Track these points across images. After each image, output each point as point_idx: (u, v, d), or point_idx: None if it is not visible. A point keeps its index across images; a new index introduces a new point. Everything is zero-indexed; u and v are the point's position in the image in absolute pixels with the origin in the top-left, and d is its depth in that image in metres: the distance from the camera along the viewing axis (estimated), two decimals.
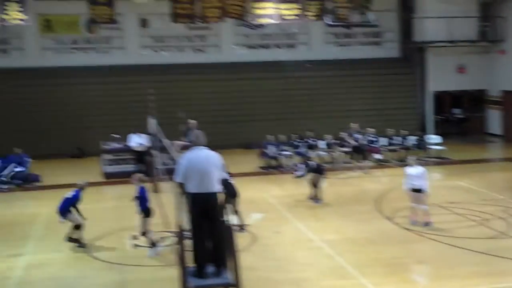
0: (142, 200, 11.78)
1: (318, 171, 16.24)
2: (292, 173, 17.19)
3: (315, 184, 16.11)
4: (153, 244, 11.63)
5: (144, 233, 11.57)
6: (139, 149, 19.73)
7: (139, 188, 11.86)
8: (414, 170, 13.76)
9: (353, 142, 21.10)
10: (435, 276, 10.83)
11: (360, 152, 20.45)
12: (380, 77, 27.34)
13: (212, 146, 8.36)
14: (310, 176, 16.26)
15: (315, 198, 16.11)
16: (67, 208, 12.50)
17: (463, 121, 28.38)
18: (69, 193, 12.69)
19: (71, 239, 12.69)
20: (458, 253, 11.96)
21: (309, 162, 16.78)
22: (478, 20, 27.27)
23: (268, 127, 24.11)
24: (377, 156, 21.44)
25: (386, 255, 12.09)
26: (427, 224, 13.53)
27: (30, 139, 23.41)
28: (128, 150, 20.03)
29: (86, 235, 13.49)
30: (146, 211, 11.74)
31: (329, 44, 28.59)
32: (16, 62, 25.66)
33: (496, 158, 24.13)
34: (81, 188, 12.86)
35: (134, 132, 20.12)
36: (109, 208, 16.24)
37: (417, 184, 13.61)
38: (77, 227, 12.65)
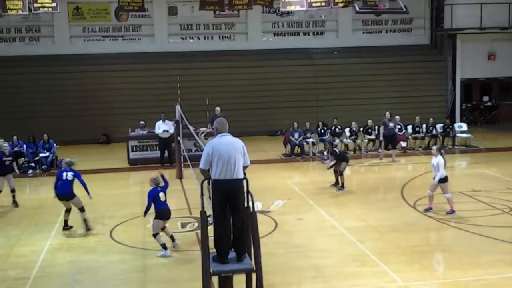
0: (152, 201, 11.45)
1: (343, 158, 16.18)
2: (322, 162, 17.06)
3: (340, 172, 16.07)
4: (163, 247, 11.35)
5: (155, 235, 11.42)
6: (165, 135, 19.91)
7: (152, 189, 11.66)
8: (440, 159, 13.55)
9: (385, 131, 20.87)
10: (458, 264, 10.74)
11: (392, 141, 20.25)
12: (408, 64, 27.06)
13: (237, 133, 8.42)
14: (334, 163, 16.20)
15: (339, 186, 16.08)
16: (72, 189, 12.74)
17: (492, 109, 27.95)
18: (68, 174, 12.76)
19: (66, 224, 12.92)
20: (482, 241, 11.85)
21: (335, 149, 16.74)
22: (511, 6, 26.72)
23: (294, 114, 24.13)
24: (403, 144, 21.28)
25: (409, 243, 12.03)
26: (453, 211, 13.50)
27: (58, 125, 23.88)
28: (154, 136, 20.21)
29: (112, 220, 13.76)
30: (157, 213, 11.40)
31: (357, 31, 28.36)
32: (46, 50, 26.07)
33: None
34: (69, 165, 13.00)
35: (161, 119, 20.28)
36: (133, 194, 16.46)
37: (443, 173, 13.48)
38: (81, 209, 12.85)
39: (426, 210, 13.76)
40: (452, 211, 13.49)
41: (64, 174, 12.80)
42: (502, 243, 11.68)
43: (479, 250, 11.39)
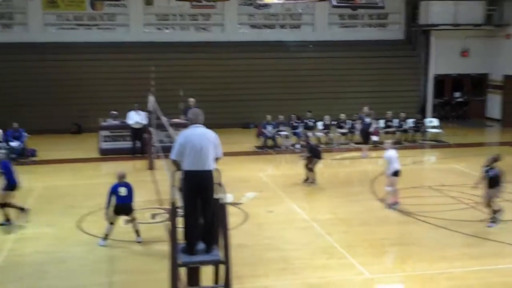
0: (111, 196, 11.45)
1: (316, 155, 16.12)
2: (300, 156, 16.93)
3: (310, 168, 16.06)
4: (104, 237, 11.39)
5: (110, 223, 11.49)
6: (137, 126, 19.82)
7: (114, 184, 11.65)
8: (394, 153, 13.87)
9: (361, 125, 21.03)
10: (424, 257, 10.93)
11: (367, 136, 20.40)
12: (383, 59, 27.26)
13: (211, 125, 8.40)
14: (307, 158, 16.20)
15: (309, 181, 16.10)
16: None
17: (463, 105, 28.33)
18: None
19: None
20: (449, 235, 12.07)
21: (310, 143, 16.75)
22: (485, 3, 27.07)
23: (269, 107, 24.16)
24: (374, 138, 21.45)
25: (376, 236, 12.21)
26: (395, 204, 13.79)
27: (28, 114, 23.49)
28: (126, 127, 20.10)
29: (80, 210, 13.68)
30: (114, 208, 11.34)
31: (333, 25, 28.48)
32: (18, 37, 25.71)
33: (493, 142, 24.13)
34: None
35: (133, 109, 20.17)
36: (103, 184, 16.16)
37: (398, 167, 13.74)
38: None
39: (391, 205, 13.81)
40: (395, 203, 13.74)
41: None
42: (468, 237, 11.92)
43: (445, 244, 11.60)
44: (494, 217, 12.57)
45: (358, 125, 20.75)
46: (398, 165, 13.78)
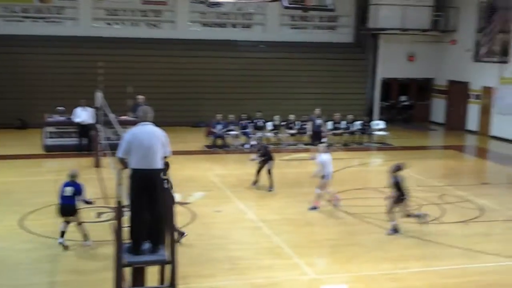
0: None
1: (271, 157, 15.73)
2: (252, 158, 16.69)
3: (264, 171, 15.64)
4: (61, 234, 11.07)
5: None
6: (83, 123, 19.47)
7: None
8: (329, 157, 13.89)
9: (313, 127, 21.26)
10: (368, 258, 11.13)
11: (318, 137, 20.61)
12: (332, 62, 27.59)
13: (160, 123, 8.32)
14: (260, 161, 15.77)
15: (255, 183, 15.80)
16: None
17: (408, 108, 28.97)
18: None
19: None
20: (392, 236, 12.31)
21: (264, 146, 16.39)
22: (431, 9, 27.74)
23: (218, 106, 24.13)
24: (322, 139, 21.68)
25: (322, 237, 12.39)
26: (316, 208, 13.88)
27: None
28: (72, 123, 19.72)
29: (24, 208, 13.33)
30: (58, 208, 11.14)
31: (284, 26, 28.64)
32: None
33: (436, 146, 24.80)
34: None
35: (81, 105, 19.80)
36: (47, 182, 15.94)
37: (331, 170, 13.81)
38: None
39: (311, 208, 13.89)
40: (314, 208, 13.81)
41: None
42: (411, 239, 12.19)
43: (389, 245, 11.85)
44: (395, 226, 12.47)
45: (309, 127, 20.93)
46: (331, 168, 13.83)
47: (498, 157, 21.53)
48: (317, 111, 20.99)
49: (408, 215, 12.57)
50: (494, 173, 19.52)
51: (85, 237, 11.23)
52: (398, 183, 12.37)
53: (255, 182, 15.91)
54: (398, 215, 12.52)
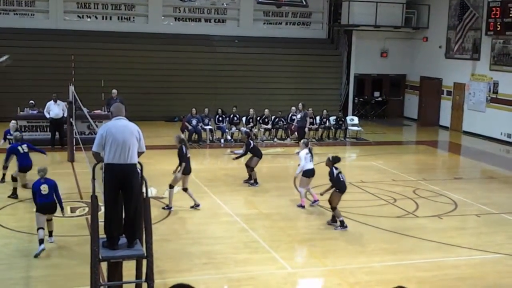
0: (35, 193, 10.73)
1: (256, 153, 15.54)
2: (232, 152, 16.50)
3: (251, 168, 15.57)
4: (40, 242, 10.45)
5: (38, 229, 10.84)
6: (56, 117, 19.18)
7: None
8: (306, 153, 13.70)
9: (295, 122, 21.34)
10: (344, 252, 11.20)
11: (302, 132, 20.71)
12: (306, 57, 27.65)
13: (134, 117, 8.28)
14: (248, 157, 15.64)
15: (251, 181, 15.67)
16: None
17: (382, 104, 29.21)
18: None
19: None
20: (368, 230, 12.42)
21: (251, 141, 15.87)
22: (404, 6, 27.98)
23: (193, 100, 24.00)
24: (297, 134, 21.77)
25: (299, 231, 12.43)
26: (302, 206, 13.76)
27: None
28: (44, 117, 19.40)
29: None
30: (38, 207, 10.62)
31: (258, 21, 28.60)
32: None
33: (409, 141, 25.06)
34: None
35: (53, 99, 19.49)
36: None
37: (310, 167, 13.66)
38: None
39: (298, 206, 13.81)
40: (301, 206, 13.68)
41: None
42: (386, 232, 12.30)
43: (365, 239, 11.95)
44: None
45: (295, 122, 21.17)
46: (311, 165, 13.65)
47: (470, 152, 21.85)
48: (300, 105, 21.34)
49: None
50: (466, 168, 19.80)
51: (50, 233, 10.94)
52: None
53: (248, 179, 15.73)
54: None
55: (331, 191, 12.49)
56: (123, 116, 7.77)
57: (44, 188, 10.63)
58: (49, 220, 10.90)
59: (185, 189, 13.32)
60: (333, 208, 12.40)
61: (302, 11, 28.30)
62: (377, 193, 15.17)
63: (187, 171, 13.23)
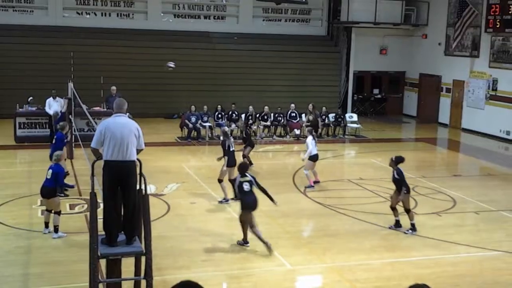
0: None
1: (250, 143, 16.53)
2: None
3: (243, 155, 15.88)
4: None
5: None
6: (55, 114, 19.16)
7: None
8: (311, 139, 15.07)
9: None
10: (343, 249, 11.20)
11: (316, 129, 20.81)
12: (305, 54, 27.62)
13: (134, 114, 8.29)
14: (247, 151, 16.15)
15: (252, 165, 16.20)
16: None
17: (381, 101, 29.20)
18: None
19: None
20: (366, 227, 12.42)
21: (247, 130, 16.97)
22: (403, 3, 27.96)
23: (192, 97, 24.01)
24: (297, 131, 21.80)
25: (297, 228, 12.45)
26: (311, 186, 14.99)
27: None
28: (43, 114, 19.39)
29: None
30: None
31: (257, 18, 28.58)
32: None
33: (408, 138, 25.07)
34: None
35: (52, 96, 19.48)
36: (19, 173, 15.76)
37: (315, 152, 14.99)
38: None
39: (308, 187, 14.89)
40: (311, 186, 14.93)
41: None
42: (384, 230, 12.30)
43: (363, 236, 11.94)
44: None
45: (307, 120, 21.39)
46: (315, 150, 14.85)
47: (469, 150, 21.86)
48: (310, 106, 21.64)
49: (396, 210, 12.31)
50: (465, 165, 19.81)
51: (46, 224, 11.14)
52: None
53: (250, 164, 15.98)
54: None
55: (401, 196, 11.96)
56: (124, 112, 7.77)
57: (49, 173, 11.06)
58: (49, 210, 11.03)
59: (220, 180, 13.68)
60: (408, 211, 12.08)
61: (301, 8, 28.28)
62: (376, 190, 15.17)
63: (231, 163, 13.55)
